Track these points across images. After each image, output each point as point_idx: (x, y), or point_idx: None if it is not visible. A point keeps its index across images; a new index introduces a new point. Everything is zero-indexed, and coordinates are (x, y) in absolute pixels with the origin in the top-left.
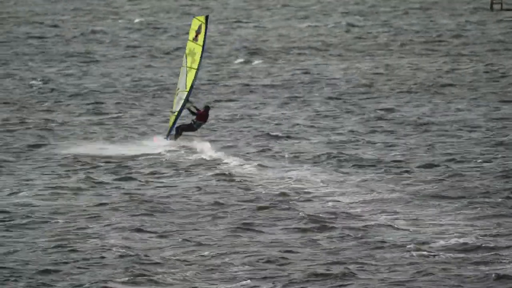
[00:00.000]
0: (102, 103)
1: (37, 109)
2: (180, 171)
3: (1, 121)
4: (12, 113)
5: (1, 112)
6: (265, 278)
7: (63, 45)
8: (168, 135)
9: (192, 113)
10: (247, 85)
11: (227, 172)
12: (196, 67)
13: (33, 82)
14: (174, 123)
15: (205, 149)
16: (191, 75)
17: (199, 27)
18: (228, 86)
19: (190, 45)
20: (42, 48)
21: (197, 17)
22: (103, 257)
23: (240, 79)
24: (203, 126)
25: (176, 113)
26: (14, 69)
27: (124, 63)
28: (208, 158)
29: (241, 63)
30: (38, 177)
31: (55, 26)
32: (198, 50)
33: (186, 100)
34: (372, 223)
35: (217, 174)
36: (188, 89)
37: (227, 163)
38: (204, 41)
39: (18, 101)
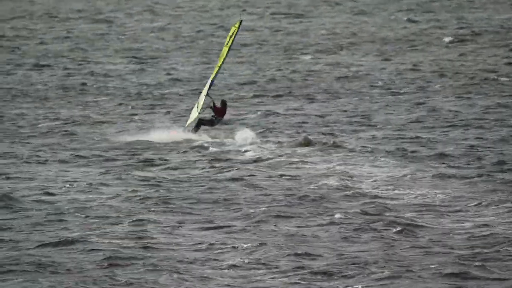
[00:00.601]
0: (159, 98)
1: (91, 105)
2: (220, 164)
3: (57, 116)
4: (67, 109)
5: (57, 107)
6: (298, 269)
7: (122, 41)
8: (187, 127)
9: (211, 108)
10: (299, 80)
11: (269, 165)
12: (219, 65)
13: (90, 78)
14: (193, 115)
15: (247, 141)
16: (214, 72)
17: (233, 32)
18: (282, 81)
19: (224, 48)
20: (102, 44)
21: (234, 25)
22: (135, 254)
23: (295, 74)
24: (223, 121)
25: (198, 108)
26: (75, 66)
27: (181, 59)
28: (249, 151)
29: (296, 58)
30: (79, 169)
31: (117, 23)
32: (225, 50)
33: (205, 94)
34: (419, 221)
35: (259, 167)
36: (208, 85)
37: (269, 157)
38: (231, 43)
39: (72, 97)
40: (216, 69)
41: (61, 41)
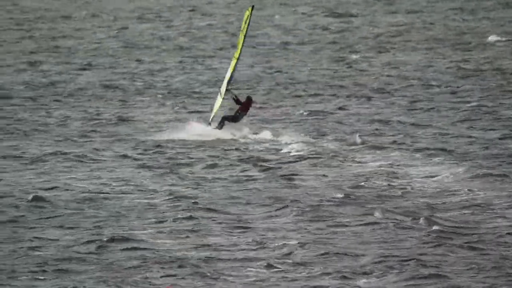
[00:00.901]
0: (210, 98)
1: (141, 104)
2: (268, 163)
3: (105, 116)
4: (117, 108)
5: (107, 106)
6: (338, 271)
7: (173, 40)
8: (211, 122)
9: (235, 101)
10: (351, 79)
11: (317, 164)
12: (237, 57)
13: (142, 77)
14: (217, 105)
15: (297, 140)
16: (233, 64)
17: (247, 17)
18: (334, 80)
19: (240, 35)
20: (153, 44)
21: (248, 9)
22: (179, 254)
23: (346, 72)
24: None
25: (222, 94)
26: (126, 65)
27: (226, 59)
28: (299, 150)
29: (347, 56)
30: (126, 169)
31: (168, 22)
32: (241, 39)
33: (226, 89)
34: (468, 220)
35: (307, 166)
36: (228, 78)
37: (319, 155)
38: (246, 30)
39: (123, 96)
40: (234, 61)
41: (113, 40)
